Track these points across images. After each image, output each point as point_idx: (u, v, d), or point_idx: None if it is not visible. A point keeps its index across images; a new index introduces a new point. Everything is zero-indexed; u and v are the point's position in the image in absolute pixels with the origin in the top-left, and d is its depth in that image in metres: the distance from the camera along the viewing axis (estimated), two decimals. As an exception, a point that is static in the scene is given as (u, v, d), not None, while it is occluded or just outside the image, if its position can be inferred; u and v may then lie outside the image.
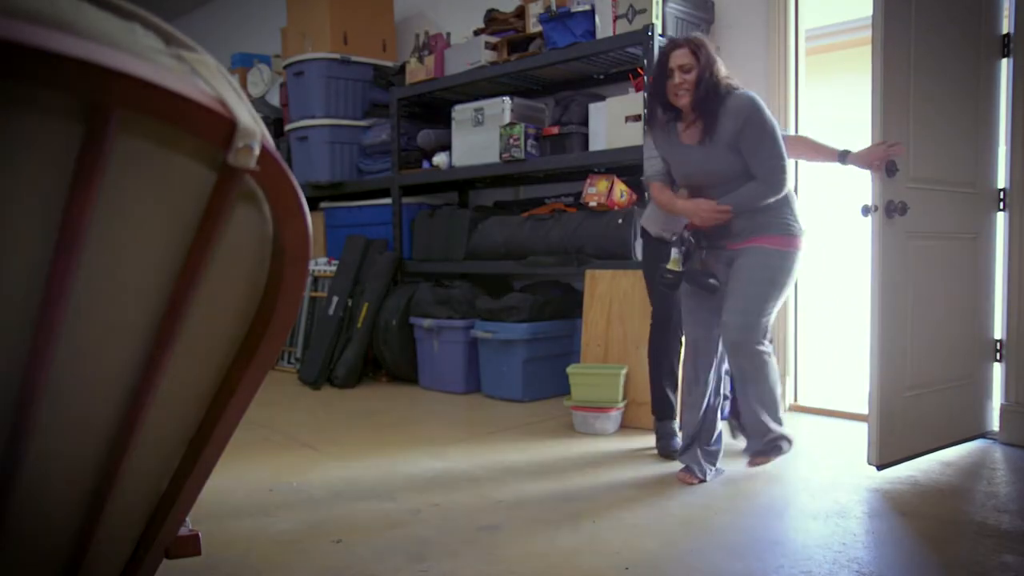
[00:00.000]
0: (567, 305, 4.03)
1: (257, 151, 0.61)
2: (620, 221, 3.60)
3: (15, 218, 0.56)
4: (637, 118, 3.52)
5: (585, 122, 3.87)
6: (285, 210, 0.66)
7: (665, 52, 2.51)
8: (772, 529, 2.13)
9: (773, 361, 2.51)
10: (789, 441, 2.54)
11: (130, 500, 0.75)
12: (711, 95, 2.43)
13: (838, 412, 3.52)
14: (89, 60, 0.53)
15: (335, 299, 4.47)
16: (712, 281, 2.51)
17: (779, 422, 2.54)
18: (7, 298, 0.57)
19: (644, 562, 1.89)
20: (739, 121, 2.41)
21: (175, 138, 0.60)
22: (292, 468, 2.74)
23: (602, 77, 4.14)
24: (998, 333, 3.07)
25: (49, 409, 0.62)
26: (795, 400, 3.67)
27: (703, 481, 2.53)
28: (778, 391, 2.54)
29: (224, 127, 0.59)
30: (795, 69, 3.61)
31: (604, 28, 3.66)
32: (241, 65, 5.92)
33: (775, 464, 2.66)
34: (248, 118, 0.61)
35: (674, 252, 2.55)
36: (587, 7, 3.72)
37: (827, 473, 2.64)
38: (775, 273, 2.45)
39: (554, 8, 3.83)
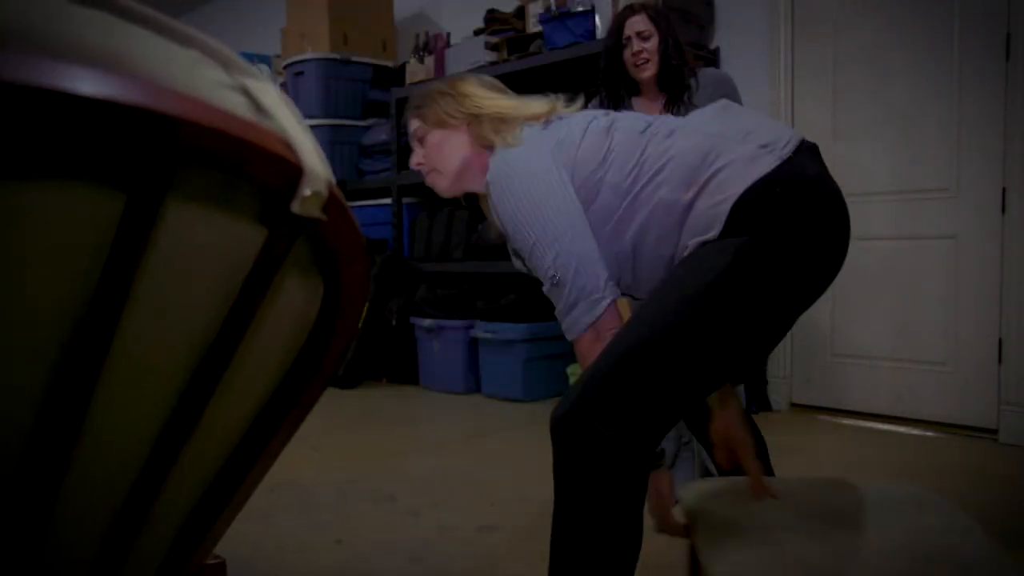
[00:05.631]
0: (567, 305, 4.02)
1: (325, 198, 0.54)
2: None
3: (52, 278, 0.53)
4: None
5: (585, 123, 3.87)
6: (345, 255, 0.60)
7: (619, 19, 2.26)
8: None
9: None
10: None
11: (157, 532, 0.73)
12: (680, 68, 2.18)
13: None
14: (153, 108, 0.45)
15: (335, 299, 4.47)
16: None
17: None
18: (49, 347, 0.54)
19: (644, 562, 1.88)
20: (718, 93, 2.16)
21: (233, 185, 0.55)
22: (293, 468, 2.74)
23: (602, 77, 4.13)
24: (998, 332, 3.07)
25: (87, 447, 0.60)
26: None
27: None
28: None
29: (290, 173, 0.53)
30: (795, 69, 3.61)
31: (604, 28, 3.66)
32: (240, 64, 5.91)
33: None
34: (316, 160, 0.55)
35: None
36: (587, 7, 3.72)
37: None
38: None
39: (554, 8, 3.83)
